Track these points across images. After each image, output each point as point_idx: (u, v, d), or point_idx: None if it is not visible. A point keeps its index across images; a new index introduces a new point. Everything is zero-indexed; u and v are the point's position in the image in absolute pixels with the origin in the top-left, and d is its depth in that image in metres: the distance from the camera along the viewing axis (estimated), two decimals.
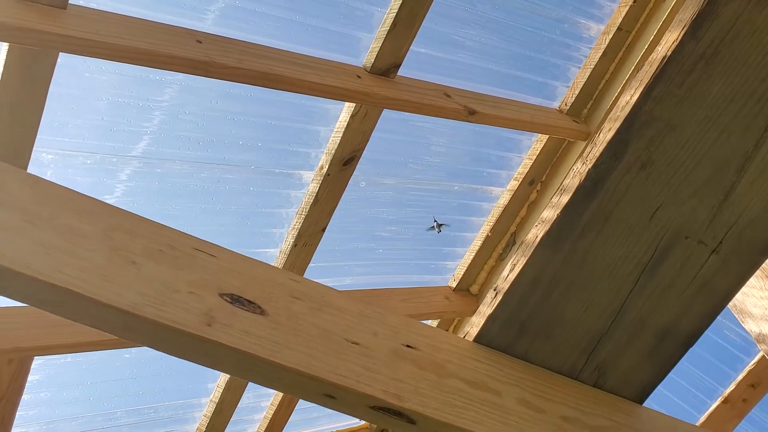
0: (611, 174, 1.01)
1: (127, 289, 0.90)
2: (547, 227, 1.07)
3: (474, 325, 1.17)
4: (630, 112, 0.98)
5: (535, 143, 3.11)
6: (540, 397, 1.10)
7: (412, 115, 2.55)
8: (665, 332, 1.12)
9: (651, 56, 0.99)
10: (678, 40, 0.94)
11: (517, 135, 3.06)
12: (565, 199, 1.05)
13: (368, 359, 1.00)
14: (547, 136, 3.04)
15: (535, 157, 3.10)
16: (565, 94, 3.01)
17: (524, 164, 3.15)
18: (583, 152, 1.12)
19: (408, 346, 1.06)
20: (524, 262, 1.09)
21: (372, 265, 3.11)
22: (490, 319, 1.13)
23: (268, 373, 0.93)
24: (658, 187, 1.02)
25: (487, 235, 3.31)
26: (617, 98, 2.86)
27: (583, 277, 1.09)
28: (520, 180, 3.17)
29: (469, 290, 3.50)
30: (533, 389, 1.10)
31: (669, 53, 0.95)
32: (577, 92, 2.95)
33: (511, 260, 1.14)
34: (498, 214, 3.26)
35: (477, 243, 3.35)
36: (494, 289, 1.16)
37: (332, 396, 0.95)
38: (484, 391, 1.06)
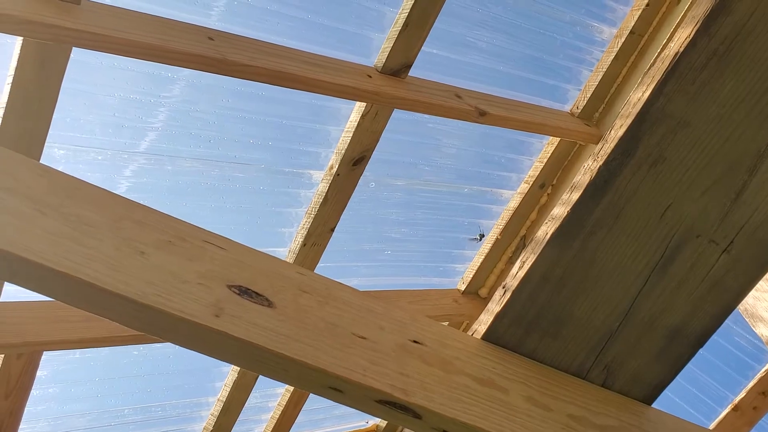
0: (622, 171, 1.01)
1: (135, 278, 0.90)
2: (557, 224, 1.06)
3: (482, 323, 1.17)
4: (641, 108, 0.98)
5: (546, 146, 3.10)
6: (547, 395, 1.09)
7: (423, 116, 2.55)
8: (675, 332, 1.11)
9: (663, 53, 0.99)
10: (691, 37, 0.93)
11: (528, 138, 3.05)
12: (575, 196, 1.05)
13: (375, 353, 0.99)
14: (559, 140, 3.03)
15: (546, 160, 3.09)
16: (576, 98, 3.00)
17: (535, 167, 3.14)
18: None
19: (415, 341, 1.06)
20: (533, 259, 1.09)
21: (380, 266, 3.11)
22: (499, 316, 1.13)
23: (275, 365, 0.93)
24: (669, 184, 1.01)
25: (497, 239, 3.30)
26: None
27: (593, 275, 1.08)
28: (531, 183, 3.16)
29: (478, 293, 3.49)
30: (541, 387, 1.10)
31: (681, 49, 0.94)
32: (588, 95, 2.94)
33: (521, 258, 1.13)
34: (508, 217, 3.25)
35: (487, 246, 3.34)
36: (503, 287, 1.15)
37: (339, 389, 0.95)
38: (491, 388, 1.05)
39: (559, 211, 1.07)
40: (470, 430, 0.98)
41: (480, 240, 3.23)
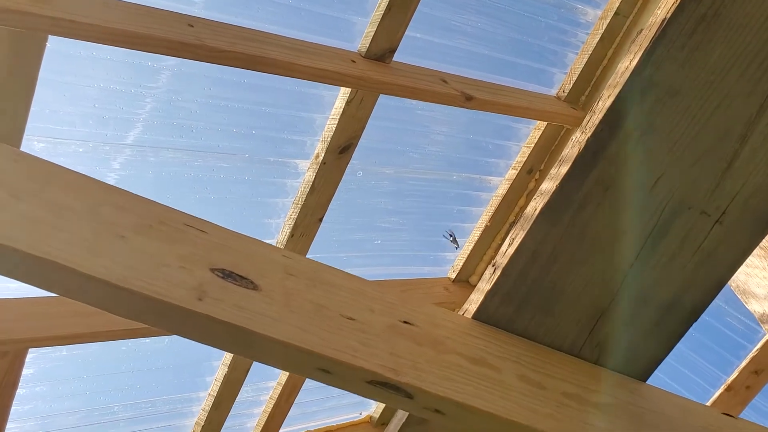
0: (611, 143, 0.99)
1: (115, 262, 0.87)
2: (545, 199, 1.04)
3: (473, 302, 1.15)
4: (629, 77, 0.95)
5: (533, 131, 3.09)
6: (540, 373, 1.07)
7: (410, 103, 2.53)
8: (668, 306, 1.10)
9: (650, 20, 0.97)
10: (678, 2, 0.91)
11: (515, 123, 3.04)
12: (564, 169, 1.03)
13: (365, 334, 0.97)
14: (545, 124, 3.02)
15: (533, 145, 3.08)
16: (562, 81, 2.98)
17: (522, 152, 3.13)
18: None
19: (405, 322, 1.04)
20: (523, 235, 1.07)
21: (370, 256, 3.09)
22: (489, 295, 1.11)
23: (262, 348, 0.91)
24: (660, 155, 0.99)
25: (486, 225, 3.29)
26: None
27: (583, 250, 1.06)
28: (519, 169, 3.14)
29: (468, 281, 3.48)
30: (533, 365, 1.08)
31: (669, 15, 0.92)
32: (574, 78, 2.93)
33: (510, 234, 1.12)
34: (497, 203, 3.24)
35: (476, 233, 3.33)
36: (492, 265, 1.13)
37: (327, 370, 0.93)
38: (483, 366, 1.03)
39: (548, 185, 1.05)
40: (463, 409, 0.96)
41: (453, 241, 3.22)
